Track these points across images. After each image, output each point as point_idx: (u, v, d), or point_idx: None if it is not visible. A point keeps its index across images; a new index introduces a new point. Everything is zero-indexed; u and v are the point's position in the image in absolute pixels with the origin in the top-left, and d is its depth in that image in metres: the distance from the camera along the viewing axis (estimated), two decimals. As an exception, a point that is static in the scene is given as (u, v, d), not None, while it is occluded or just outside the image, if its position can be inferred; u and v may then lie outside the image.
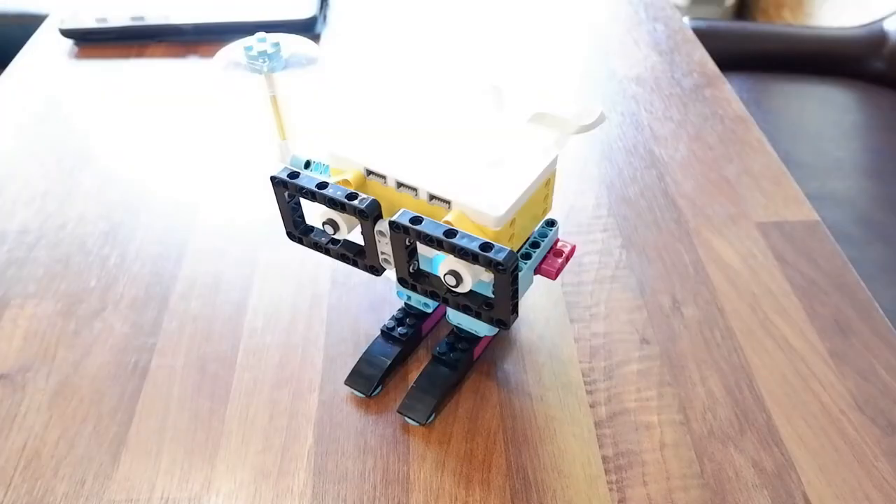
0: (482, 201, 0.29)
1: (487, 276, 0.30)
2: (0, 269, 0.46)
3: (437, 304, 0.38)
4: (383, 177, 0.31)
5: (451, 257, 0.29)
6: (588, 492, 0.34)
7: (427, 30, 0.71)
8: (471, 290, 0.30)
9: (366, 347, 0.39)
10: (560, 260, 0.34)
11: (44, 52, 0.68)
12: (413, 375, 0.38)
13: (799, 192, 0.51)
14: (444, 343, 0.38)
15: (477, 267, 0.29)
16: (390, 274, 0.34)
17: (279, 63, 0.32)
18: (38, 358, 0.40)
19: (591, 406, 0.37)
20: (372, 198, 0.30)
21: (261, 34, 0.32)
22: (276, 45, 0.32)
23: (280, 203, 0.33)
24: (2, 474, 0.35)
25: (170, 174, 0.53)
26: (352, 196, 0.30)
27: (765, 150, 0.55)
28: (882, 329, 0.41)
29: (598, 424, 0.36)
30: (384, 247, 0.31)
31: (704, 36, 1.06)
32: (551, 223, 0.34)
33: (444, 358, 0.37)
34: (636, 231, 0.48)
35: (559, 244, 0.35)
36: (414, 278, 0.31)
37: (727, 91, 0.62)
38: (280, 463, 0.35)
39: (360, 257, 0.33)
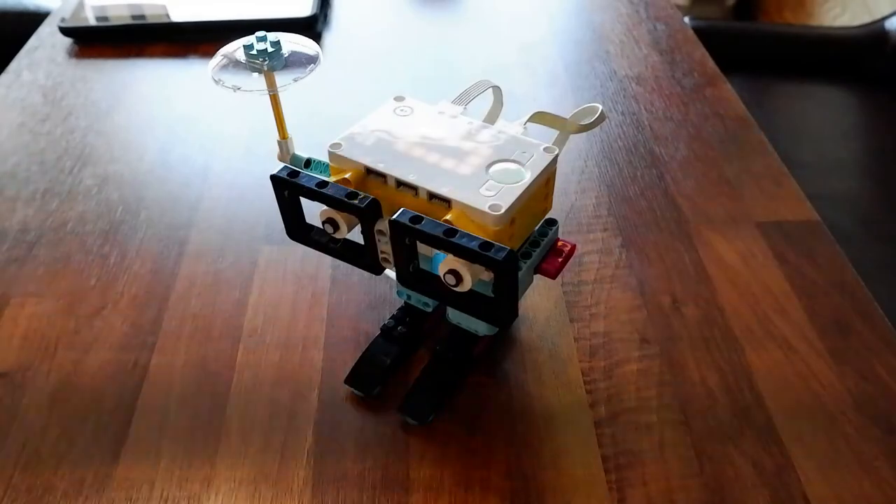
0: (482, 200, 0.29)
1: (487, 276, 0.30)
2: (0, 267, 0.46)
3: (436, 303, 0.38)
4: (383, 176, 0.31)
5: (450, 256, 0.29)
6: (588, 491, 0.34)
7: (428, 29, 0.71)
8: (471, 290, 0.30)
9: (366, 347, 0.39)
10: (560, 259, 0.34)
11: (44, 50, 0.68)
12: (413, 375, 0.38)
13: (799, 192, 0.51)
14: (443, 342, 0.38)
15: (477, 266, 0.29)
16: (390, 273, 0.34)
17: (279, 62, 0.32)
18: (39, 356, 0.40)
19: (591, 405, 0.37)
20: (371, 197, 0.30)
21: (261, 33, 0.32)
22: (276, 43, 0.32)
23: (280, 202, 0.33)
24: (1, 473, 0.35)
25: (169, 173, 0.53)
26: (351, 195, 0.30)
27: (765, 150, 0.55)
28: (882, 329, 0.41)
29: (597, 424, 0.36)
30: (384, 246, 0.31)
31: (705, 36, 1.06)
32: (551, 222, 0.34)
33: (443, 357, 0.37)
34: (636, 231, 0.48)
35: (559, 243, 0.35)
36: (414, 277, 0.31)
37: (728, 91, 0.62)
38: (280, 462, 0.35)
39: (359, 256, 0.33)
